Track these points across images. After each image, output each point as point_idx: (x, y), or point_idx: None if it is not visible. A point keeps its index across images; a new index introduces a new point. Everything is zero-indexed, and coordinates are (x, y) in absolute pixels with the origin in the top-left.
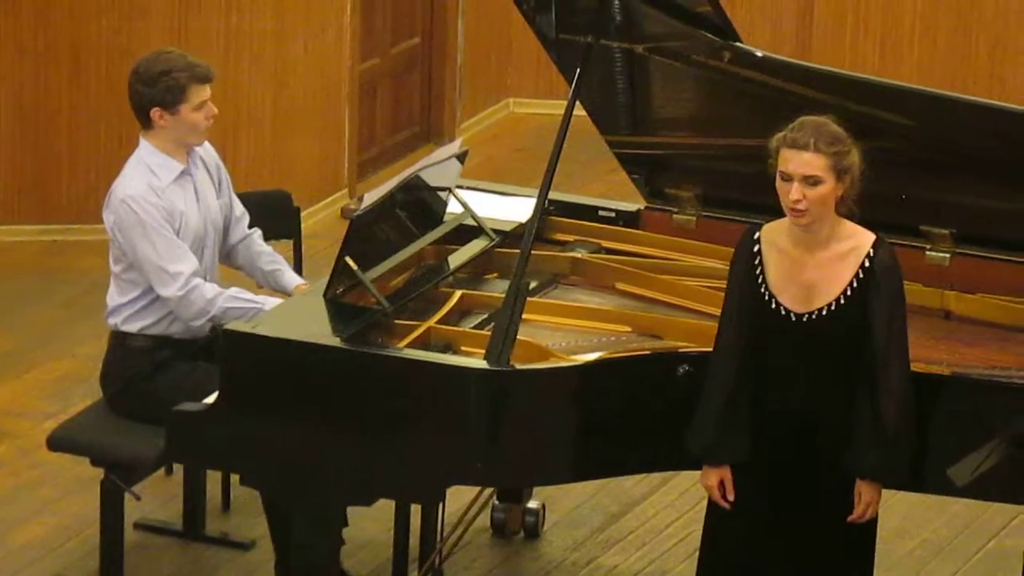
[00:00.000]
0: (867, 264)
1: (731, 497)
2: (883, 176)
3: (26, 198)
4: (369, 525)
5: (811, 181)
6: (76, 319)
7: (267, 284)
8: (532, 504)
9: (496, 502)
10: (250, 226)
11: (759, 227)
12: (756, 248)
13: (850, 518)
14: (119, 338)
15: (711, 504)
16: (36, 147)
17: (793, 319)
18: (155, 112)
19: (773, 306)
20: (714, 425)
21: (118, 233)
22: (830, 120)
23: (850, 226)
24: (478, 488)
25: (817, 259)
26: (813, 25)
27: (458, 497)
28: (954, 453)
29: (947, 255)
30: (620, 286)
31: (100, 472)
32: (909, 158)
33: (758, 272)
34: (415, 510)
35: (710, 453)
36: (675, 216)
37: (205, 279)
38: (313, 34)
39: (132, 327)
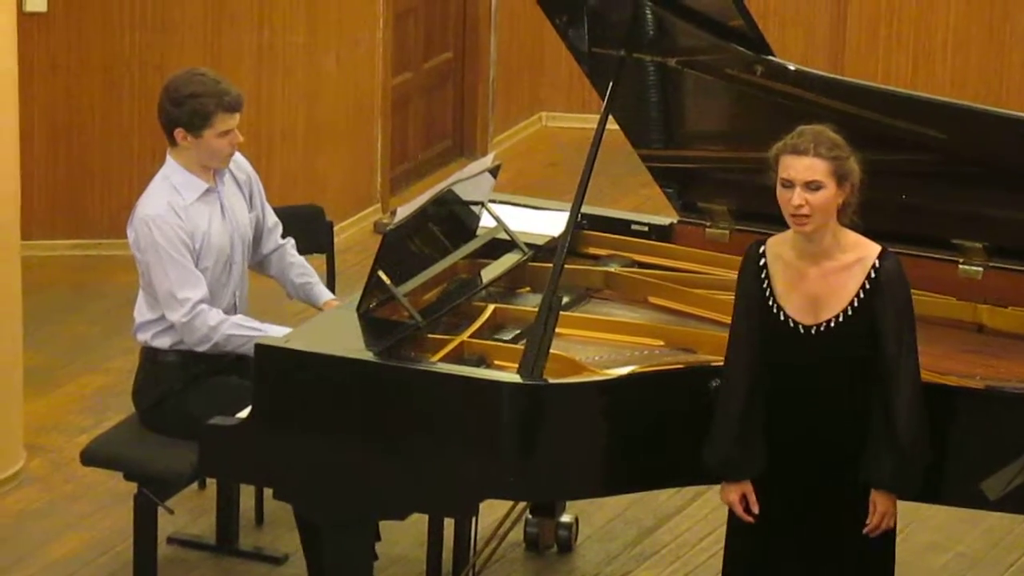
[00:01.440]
0: (873, 275)
1: (755, 510)
2: (916, 189)
3: (59, 213)
4: (402, 539)
5: (813, 186)
6: (109, 334)
7: (297, 296)
8: (565, 518)
9: (529, 516)
10: (283, 236)
11: (763, 241)
12: (762, 262)
13: (866, 529)
14: (150, 354)
15: (731, 519)
16: (69, 162)
17: (802, 331)
18: (178, 132)
19: (782, 318)
20: (732, 440)
21: (137, 251)
22: (828, 128)
23: (854, 236)
24: (511, 502)
25: (822, 270)
26: (846, 39)
27: (491, 511)
28: (987, 467)
29: (980, 268)
30: (653, 300)
31: (133, 487)
32: (942, 171)
33: (765, 285)
34: (448, 524)
35: (730, 469)
36: (708, 230)
37: (235, 295)
38: (346, 49)
39: (163, 343)
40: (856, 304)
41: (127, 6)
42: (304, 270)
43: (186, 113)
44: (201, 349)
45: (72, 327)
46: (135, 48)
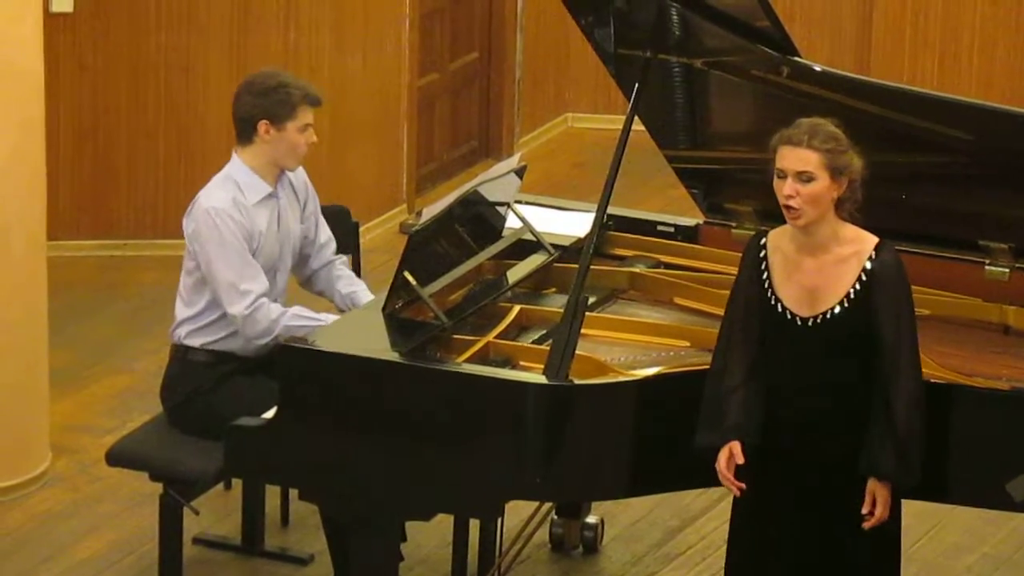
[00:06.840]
0: (869, 267)
1: (740, 461)
2: (942, 191)
3: (84, 213)
4: (428, 540)
5: (804, 177)
6: (134, 334)
7: (344, 306)
8: (591, 519)
9: (555, 517)
10: (338, 250)
11: (765, 233)
12: (762, 254)
13: (867, 524)
14: (181, 352)
15: (735, 506)
16: (94, 163)
17: (799, 323)
18: (262, 125)
19: (779, 310)
20: (722, 413)
21: (195, 243)
22: (829, 121)
23: (852, 230)
24: (536, 503)
25: (819, 262)
26: (872, 39)
27: (517, 512)
28: (1013, 468)
29: (1006, 270)
30: (679, 301)
31: (159, 487)
32: (968, 173)
33: (764, 277)
34: (474, 525)
35: (721, 436)
36: (734, 231)
37: (276, 302)
38: (371, 49)
39: (195, 342)
40: (852, 296)
41: (153, 7)
42: (351, 281)
43: (272, 103)
44: (260, 342)
45: (97, 328)
46: (161, 49)
